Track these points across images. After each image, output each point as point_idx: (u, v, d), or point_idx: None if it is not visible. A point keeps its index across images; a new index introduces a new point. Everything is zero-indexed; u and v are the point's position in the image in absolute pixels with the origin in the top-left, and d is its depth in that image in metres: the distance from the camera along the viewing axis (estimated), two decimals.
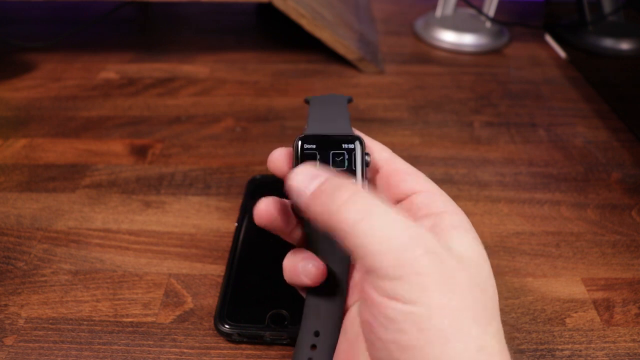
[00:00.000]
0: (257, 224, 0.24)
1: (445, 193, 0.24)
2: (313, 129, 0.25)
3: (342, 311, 0.25)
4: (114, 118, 0.50)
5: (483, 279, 0.20)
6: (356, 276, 0.25)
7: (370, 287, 0.20)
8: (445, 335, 0.18)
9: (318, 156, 0.24)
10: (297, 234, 0.25)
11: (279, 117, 0.51)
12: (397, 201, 0.24)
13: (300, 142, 0.24)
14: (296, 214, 0.24)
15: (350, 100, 0.29)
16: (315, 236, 0.24)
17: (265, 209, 0.24)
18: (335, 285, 0.24)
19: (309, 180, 0.22)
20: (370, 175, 0.26)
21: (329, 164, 0.24)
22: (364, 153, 0.24)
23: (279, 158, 0.25)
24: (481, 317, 0.19)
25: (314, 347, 0.24)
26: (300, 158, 0.24)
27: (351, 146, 0.24)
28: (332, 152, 0.24)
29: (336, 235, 0.20)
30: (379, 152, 0.25)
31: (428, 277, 0.19)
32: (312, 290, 0.25)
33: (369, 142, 0.25)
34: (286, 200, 0.24)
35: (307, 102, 0.28)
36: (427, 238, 0.20)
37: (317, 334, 0.25)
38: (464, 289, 0.19)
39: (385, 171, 0.25)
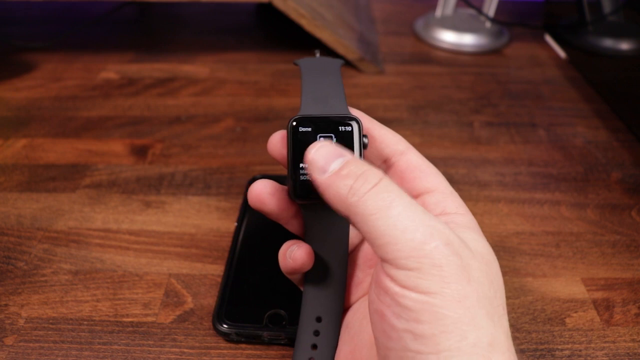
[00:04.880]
0: (250, 205, 0.24)
1: (457, 194, 0.24)
2: (307, 108, 0.24)
3: (343, 301, 0.25)
4: (114, 118, 0.50)
5: (494, 275, 0.20)
6: (359, 275, 0.25)
7: (386, 277, 0.19)
8: (460, 327, 0.18)
9: (314, 139, 0.23)
10: (298, 223, 0.25)
11: (279, 117, 0.51)
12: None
13: (294, 125, 0.23)
14: (293, 199, 0.24)
15: (343, 64, 0.27)
16: (311, 224, 0.24)
17: (257, 191, 0.23)
18: (332, 274, 0.24)
19: (332, 158, 0.21)
20: (383, 168, 0.25)
21: None
22: (362, 135, 0.23)
23: (277, 143, 0.24)
24: (493, 312, 0.19)
25: (317, 333, 0.24)
26: (294, 141, 0.23)
27: (348, 128, 0.23)
28: (328, 134, 0.23)
29: (352, 222, 0.20)
30: (394, 144, 0.25)
31: (446, 268, 0.19)
32: (309, 279, 0.25)
33: (384, 131, 0.25)
34: (283, 186, 0.24)
35: (296, 64, 0.27)
36: (445, 230, 0.20)
37: (319, 319, 0.24)
38: (479, 282, 0.19)
39: (400, 166, 0.25)
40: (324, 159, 0.21)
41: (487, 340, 0.18)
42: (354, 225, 0.20)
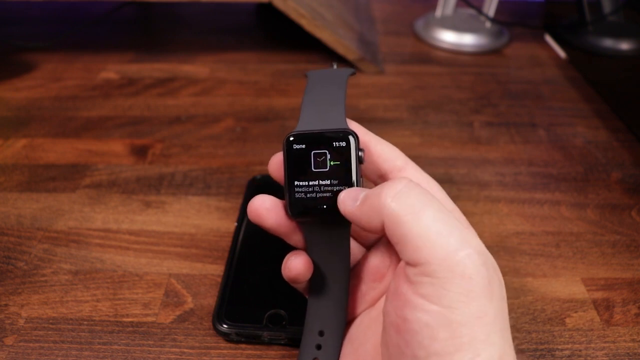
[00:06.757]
0: (250, 220, 0.24)
1: (459, 210, 0.24)
2: (303, 124, 0.24)
3: (345, 315, 0.25)
4: (114, 118, 0.50)
5: (503, 290, 0.20)
6: (363, 288, 0.25)
7: (408, 287, 0.19)
8: (475, 345, 0.18)
9: (309, 155, 0.23)
10: (299, 238, 0.25)
11: (279, 117, 0.51)
12: None
13: (288, 142, 0.23)
14: (290, 217, 0.24)
15: (353, 74, 0.27)
16: (312, 239, 0.24)
17: (256, 206, 0.23)
18: (334, 289, 0.24)
19: (358, 193, 0.22)
20: (380, 183, 0.25)
21: (321, 162, 0.23)
22: (358, 149, 0.23)
23: (277, 164, 0.24)
24: (504, 327, 0.19)
25: (319, 347, 0.25)
26: (289, 159, 0.23)
27: (342, 143, 0.23)
28: (323, 150, 0.23)
29: (386, 228, 0.20)
30: (393, 159, 0.24)
31: (474, 281, 0.18)
32: (311, 293, 0.25)
33: (382, 146, 0.24)
34: (282, 201, 0.24)
35: (306, 76, 0.27)
36: (475, 239, 0.20)
37: (321, 333, 0.25)
38: (497, 298, 0.19)
39: None
40: (352, 196, 0.22)
41: (497, 356, 0.18)
42: (387, 232, 0.20)
